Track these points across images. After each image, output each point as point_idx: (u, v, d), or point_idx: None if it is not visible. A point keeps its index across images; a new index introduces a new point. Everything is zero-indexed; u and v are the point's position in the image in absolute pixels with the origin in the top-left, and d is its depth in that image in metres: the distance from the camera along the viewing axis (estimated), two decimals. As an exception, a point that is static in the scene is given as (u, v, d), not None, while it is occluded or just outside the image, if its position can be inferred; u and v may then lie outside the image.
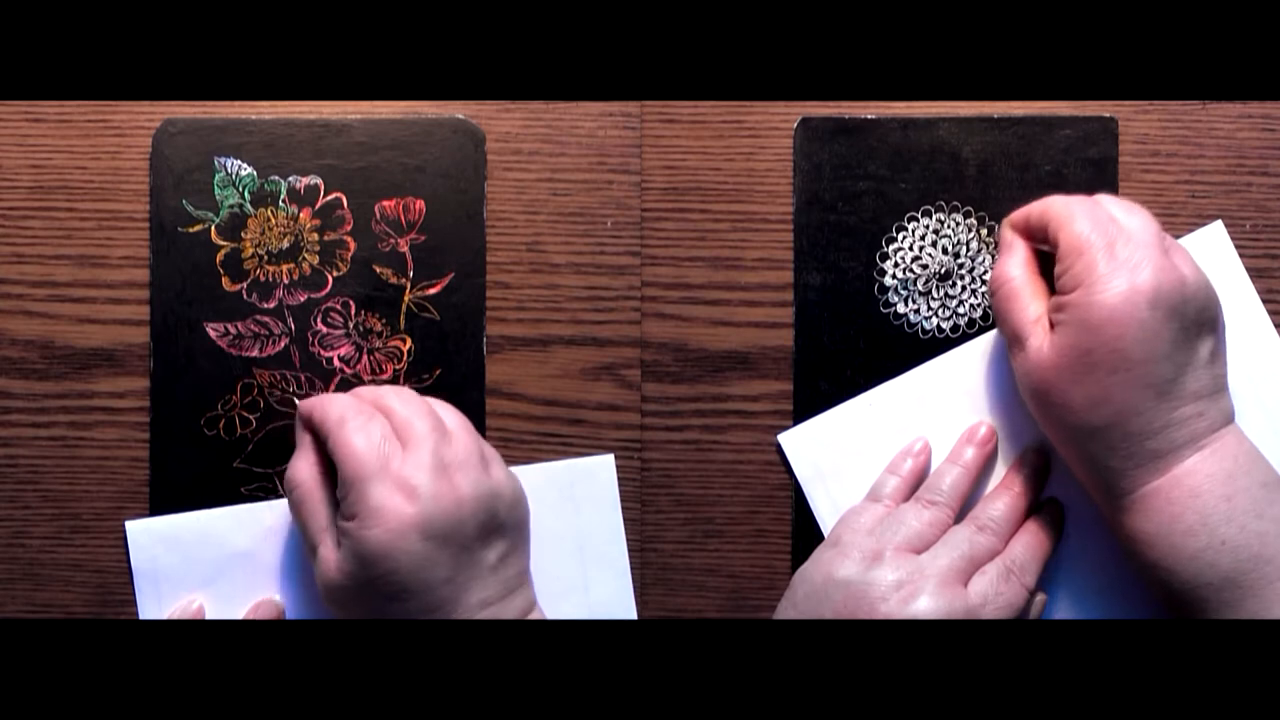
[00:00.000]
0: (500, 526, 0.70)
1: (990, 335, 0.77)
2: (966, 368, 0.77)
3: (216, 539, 0.76)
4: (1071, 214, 0.70)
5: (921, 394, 0.77)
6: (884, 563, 0.70)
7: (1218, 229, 0.76)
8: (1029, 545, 0.73)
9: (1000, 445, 0.76)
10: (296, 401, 0.75)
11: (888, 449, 0.77)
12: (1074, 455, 0.71)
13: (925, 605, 0.69)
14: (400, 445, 0.69)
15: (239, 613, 0.76)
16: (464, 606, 0.68)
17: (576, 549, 0.76)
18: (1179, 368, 0.68)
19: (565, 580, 0.76)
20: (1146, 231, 0.69)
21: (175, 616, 0.75)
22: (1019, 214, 0.74)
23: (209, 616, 0.75)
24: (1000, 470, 0.76)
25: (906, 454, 0.76)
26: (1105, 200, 0.71)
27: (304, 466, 0.71)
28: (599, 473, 0.77)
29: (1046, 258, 0.72)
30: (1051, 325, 0.69)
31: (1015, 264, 0.73)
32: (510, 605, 0.70)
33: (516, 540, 0.71)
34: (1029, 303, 0.71)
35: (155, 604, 0.76)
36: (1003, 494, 0.74)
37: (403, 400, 0.71)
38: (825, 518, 0.77)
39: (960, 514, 0.74)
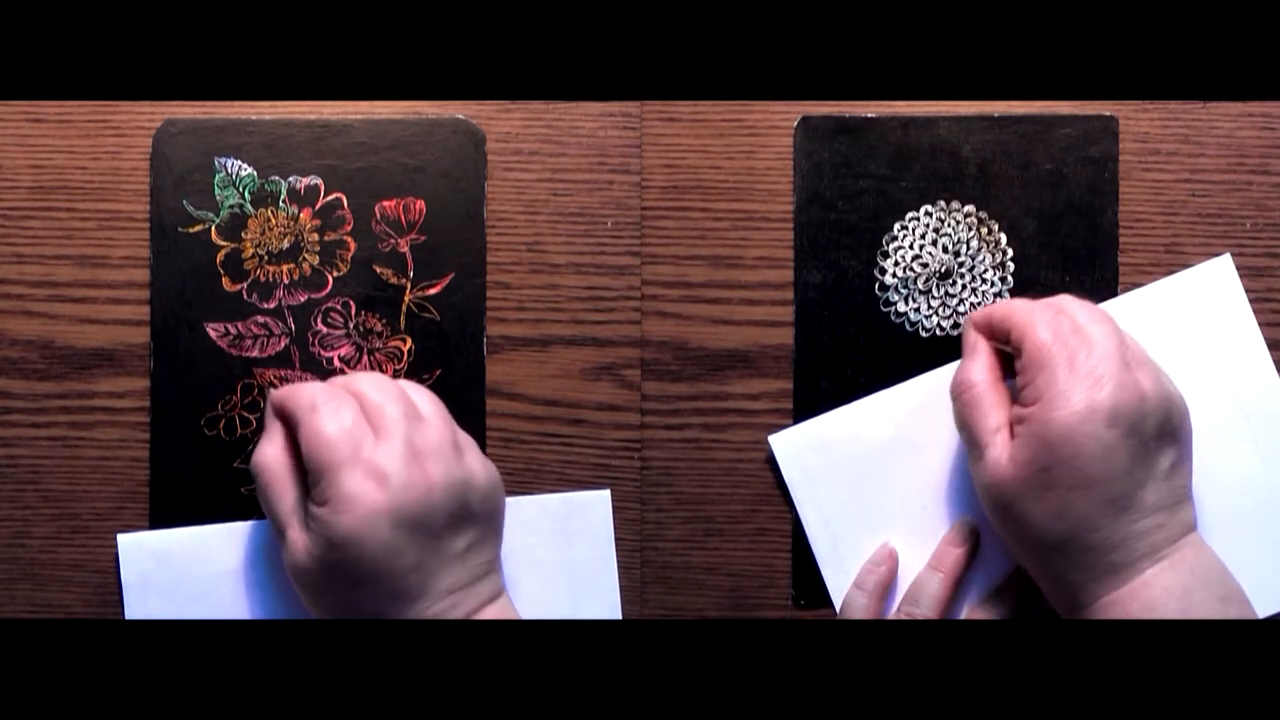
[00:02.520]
0: (472, 515, 0.70)
1: None
2: None
3: (208, 556, 0.75)
4: (1033, 323, 0.69)
5: (913, 405, 0.76)
6: None
7: (1225, 263, 0.76)
8: None
9: None
10: (269, 391, 0.74)
11: (877, 458, 0.76)
12: (1034, 565, 0.70)
13: None
14: (372, 431, 0.68)
15: None
16: (430, 592, 0.68)
17: (567, 583, 0.76)
18: (1138, 483, 0.67)
19: (553, 613, 0.76)
20: (1108, 343, 0.68)
21: None
22: (981, 314, 0.73)
23: None
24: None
25: (872, 567, 0.76)
26: (1069, 305, 0.70)
27: (270, 451, 0.71)
28: (595, 507, 0.76)
29: (1009, 359, 0.72)
30: (1012, 434, 0.69)
31: (978, 369, 0.72)
32: (477, 591, 0.70)
33: (487, 529, 0.71)
34: (989, 412, 0.70)
35: (143, 618, 0.75)
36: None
37: (375, 385, 0.70)
38: (811, 521, 0.77)
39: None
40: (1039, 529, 0.68)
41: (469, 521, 0.69)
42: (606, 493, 0.76)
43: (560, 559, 0.76)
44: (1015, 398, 0.70)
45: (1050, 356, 0.68)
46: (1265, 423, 0.75)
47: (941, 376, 0.76)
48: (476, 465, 0.71)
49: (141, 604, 0.75)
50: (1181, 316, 0.76)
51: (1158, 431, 0.68)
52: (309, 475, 0.69)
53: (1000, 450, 0.69)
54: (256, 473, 0.71)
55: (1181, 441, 0.69)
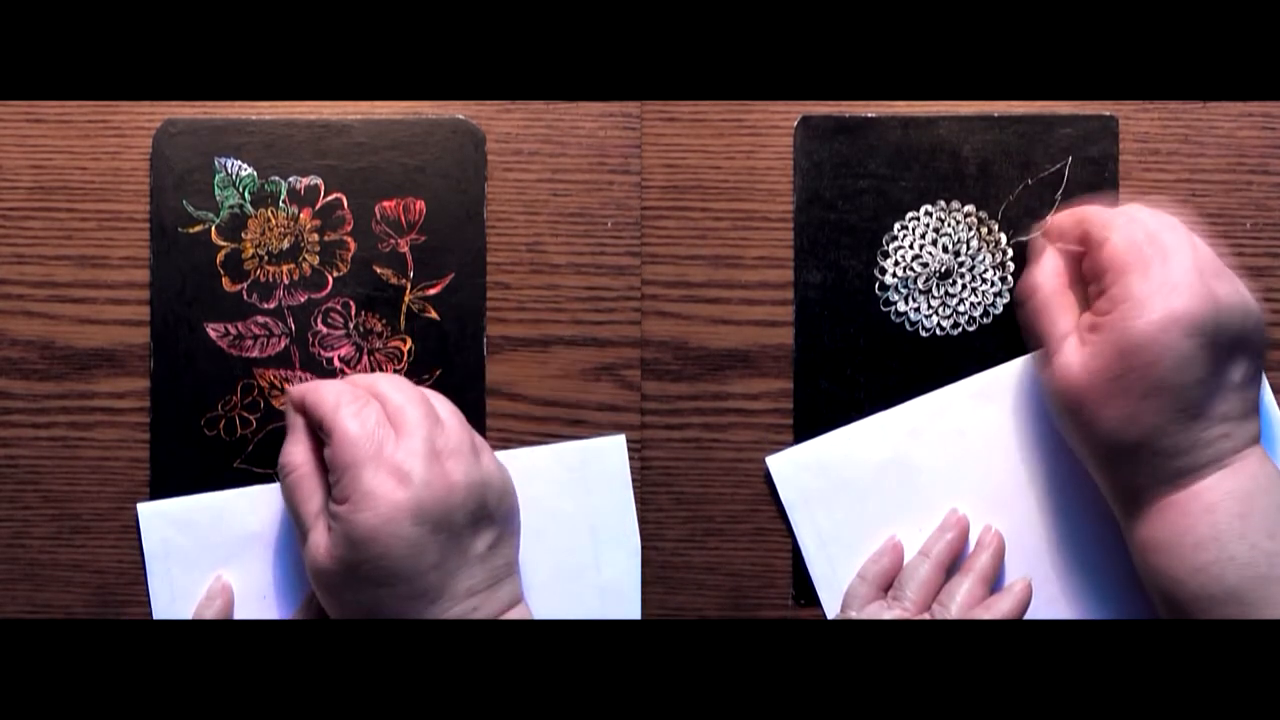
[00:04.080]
0: (489, 515, 0.70)
1: (983, 375, 0.76)
2: (958, 405, 0.76)
3: (229, 520, 0.76)
4: (1108, 229, 0.70)
5: (911, 427, 0.76)
6: None
7: None
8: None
9: (991, 486, 0.76)
10: (286, 388, 0.75)
11: (874, 480, 0.76)
12: (1096, 467, 0.71)
13: None
14: (394, 431, 0.69)
15: (250, 593, 0.75)
16: (451, 594, 0.68)
17: (589, 529, 0.76)
18: (1210, 392, 0.68)
19: (577, 560, 0.76)
20: (1184, 252, 0.68)
21: (203, 596, 0.75)
22: (1052, 220, 0.74)
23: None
24: (990, 518, 0.76)
25: (876, 558, 0.76)
26: (1141, 214, 0.71)
27: (298, 450, 0.71)
28: (610, 452, 0.77)
29: (1076, 265, 0.72)
30: (1082, 341, 0.69)
31: (1045, 273, 0.73)
32: (496, 595, 0.70)
33: (505, 531, 0.71)
34: (1058, 316, 0.71)
35: (167, 587, 0.76)
36: (960, 580, 0.75)
37: (396, 387, 0.71)
38: (808, 543, 0.77)
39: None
40: (1107, 434, 0.68)
41: (488, 522, 0.70)
42: (621, 438, 0.77)
43: (580, 506, 0.76)
44: (1086, 304, 0.70)
45: (1126, 263, 0.68)
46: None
47: (940, 399, 0.76)
48: (493, 467, 0.71)
49: (164, 572, 0.76)
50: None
51: (1232, 342, 0.68)
52: (330, 473, 0.69)
53: (1071, 355, 0.69)
54: (284, 473, 0.71)
55: (1255, 353, 0.70)
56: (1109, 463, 0.70)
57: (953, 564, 0.75)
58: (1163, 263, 0.68)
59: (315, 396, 0.71)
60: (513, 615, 0.71)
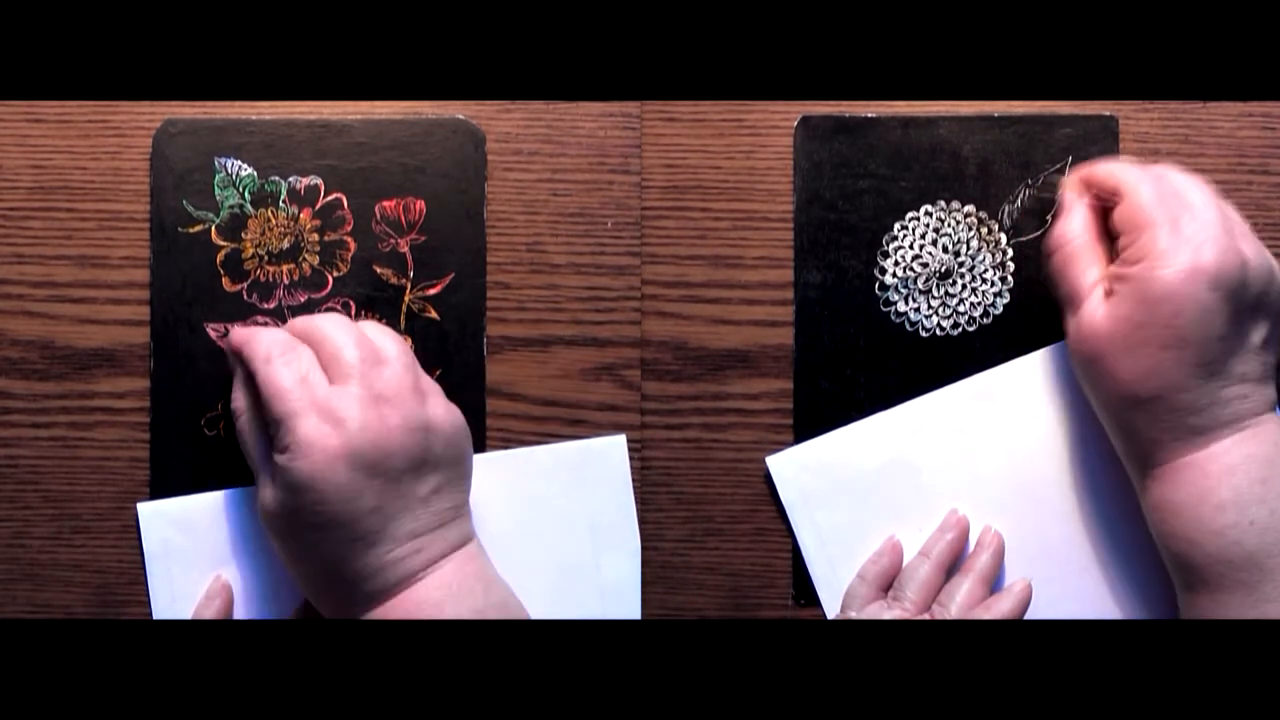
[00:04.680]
0: (434, 460, 0.70)
1: (983, 375, 0.77)
2: (959, 405, 0.76)
3: (229, 520, 0.76)
4: (1137, 183, 0.70)
5: (912, 428, 0.76)
6: None
7: None
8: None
9: (991, 486, 0.76)
10: (231, 332, 0.74)
11: (875, 480, 0.76)
12: (1114, 422, 0.71)
13: None
14: (328, 376, 0.69)
15: (250, 593, 0.76)
16: (391, 536, 0.68)
17: (589, 530, 0.76)
18: (1230, 349, 0.68)
19: (577, 561, 0.76)
20: (1210, 209, 0.69)
21: (203, 595, 0.75)
22: (1082, 173, 0.74)
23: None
24: (991, 518, 0.76)
25: (876, 558, 0.76)
26: (1169, 173, 0.71)
27: (240, 396, 0.72)
28: (611, 453, 0.77)
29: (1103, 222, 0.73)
30: (1108, 292, 0.70)
31: (1075, 225, 0.73)
32: (442, 537, 0.70)
33: (452, 474, 0.71)
34: (1087, 266, 0.71)
35: (167, 586, 0.76)
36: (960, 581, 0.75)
37: (335, 328, 0.71)
38: (808, 543, 0.77)
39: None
40: (1127, 384, 0.69)
41: (430, 466, 0.70)
42: (622, 438, 0.77)
43: (580, 507, 0.76)
44: (1114, 257, 0.70)
45: (1154, 217, 0.69)
46: None
47: (940, 399, 0.76)
48: (440, 410, 0.71)
49: (164, 572, 0.76)
50: None
51: (1255, 302, 0.69)
52: (269, 424, 0.69)
53: (1096, 305, 0.70)
54: (235, 418, 0.72)
55: (1277, 319, 0.70)
56: (1126, 417, 0.70)
57: (953, 564, 0.75)
58: (1190, 217, 0.68)
59: (249, 348, 0.71)
60: (461, 554, 0.70)
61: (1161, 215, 0.68)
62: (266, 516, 0.70)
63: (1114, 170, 0.72)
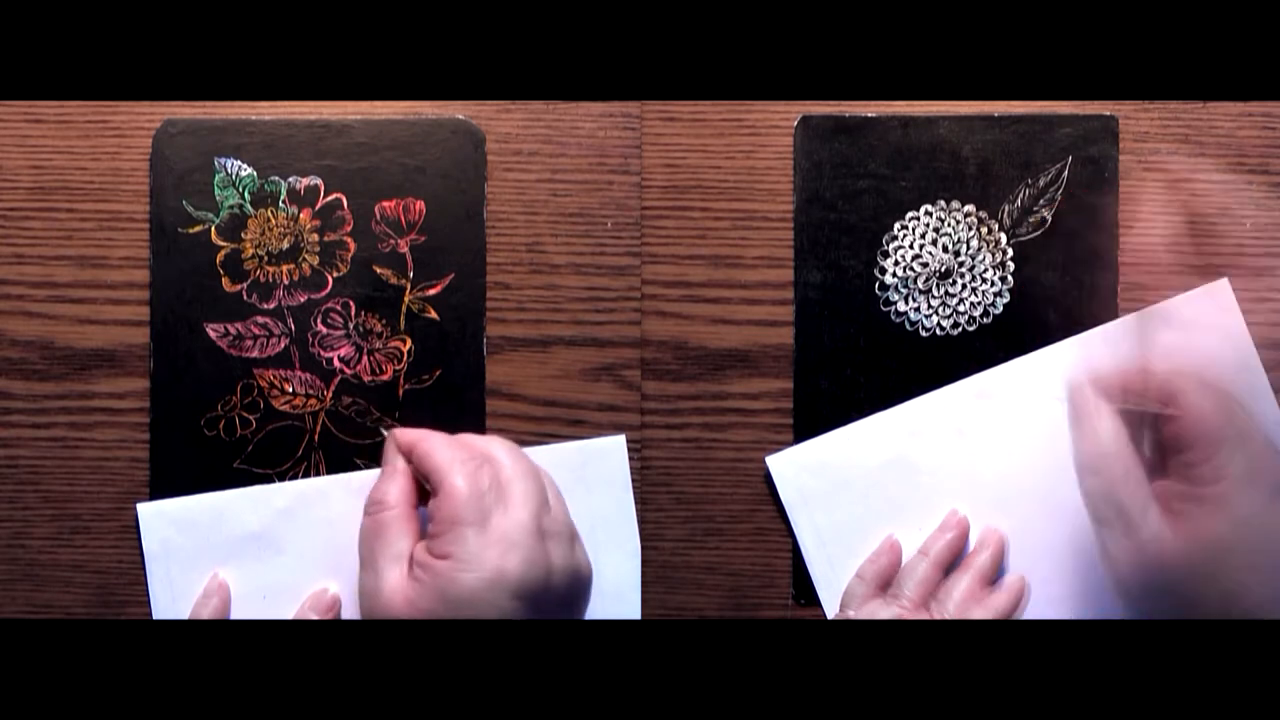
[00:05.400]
0: (573, 605, 0.70)
1: (983, 375, 0.77)
2: (958, 405, 0.76)
3: (229, 520, 0.76)
4: (1193, 397, 0.67)
5: (911, 428, 0.76)
6: None
7: (1222, 286, 0.76)
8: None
9: (991, 486, 0.76)
10: (385, 432, 0.74)
11: (874, 480, 0.77)
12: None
13: None
14: (504, 500, 0.68)
15: (251, 594, 0.75)
16: None
17: (588, 530, 0.76)
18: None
19: None
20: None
21: (200, 594, 0.75)
22: (1116, 375, 0.69)
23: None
24: (990, 518, 0.76)
25: (874, 558, 0.76)
26: (1225, 385, 0.68)
27: (395, 491, 0.71)
28: (611, 453, 0.77)
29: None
30: (1167, 509, 0.66)
31: (1119, 439, 0.68)
32: None
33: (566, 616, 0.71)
34: (1136, 489, 0.67)
35: (167, 587, 0.76)
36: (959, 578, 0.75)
37: (512, 456, 0.70)
38: (807, 543, 0.77)
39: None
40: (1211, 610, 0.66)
41: (567, 611, 0.70)
42: (621, 438, 0.77)
43: (580, 507, 0.76)
44: (1171, 473, 0.68)
45: (1223, 439, 0.66)
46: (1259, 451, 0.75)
47: (940, 399, 0.76)
48: (584, 557, 0.71)
49: (164, 572, 0.76)
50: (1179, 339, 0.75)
51: None
52: (431, 525, 0.68)
53: (1157, 526, 0.66)
54: (374, 509, 0.71)
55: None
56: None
57: (952, 563, 0.75)
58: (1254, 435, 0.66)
59: (427, 445, 0.70)
60: None
61: (1230, 435, 0.65)
62: (388, 613, 0.68)
63: (1171, 380, 0.67)
